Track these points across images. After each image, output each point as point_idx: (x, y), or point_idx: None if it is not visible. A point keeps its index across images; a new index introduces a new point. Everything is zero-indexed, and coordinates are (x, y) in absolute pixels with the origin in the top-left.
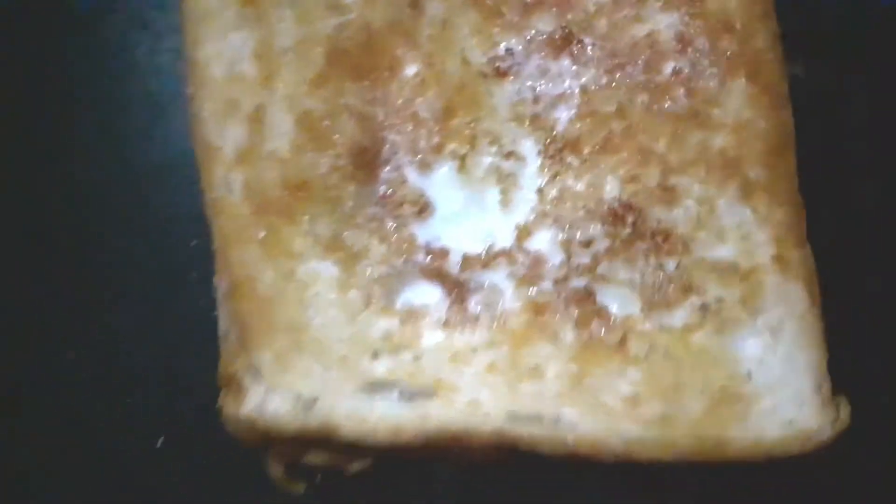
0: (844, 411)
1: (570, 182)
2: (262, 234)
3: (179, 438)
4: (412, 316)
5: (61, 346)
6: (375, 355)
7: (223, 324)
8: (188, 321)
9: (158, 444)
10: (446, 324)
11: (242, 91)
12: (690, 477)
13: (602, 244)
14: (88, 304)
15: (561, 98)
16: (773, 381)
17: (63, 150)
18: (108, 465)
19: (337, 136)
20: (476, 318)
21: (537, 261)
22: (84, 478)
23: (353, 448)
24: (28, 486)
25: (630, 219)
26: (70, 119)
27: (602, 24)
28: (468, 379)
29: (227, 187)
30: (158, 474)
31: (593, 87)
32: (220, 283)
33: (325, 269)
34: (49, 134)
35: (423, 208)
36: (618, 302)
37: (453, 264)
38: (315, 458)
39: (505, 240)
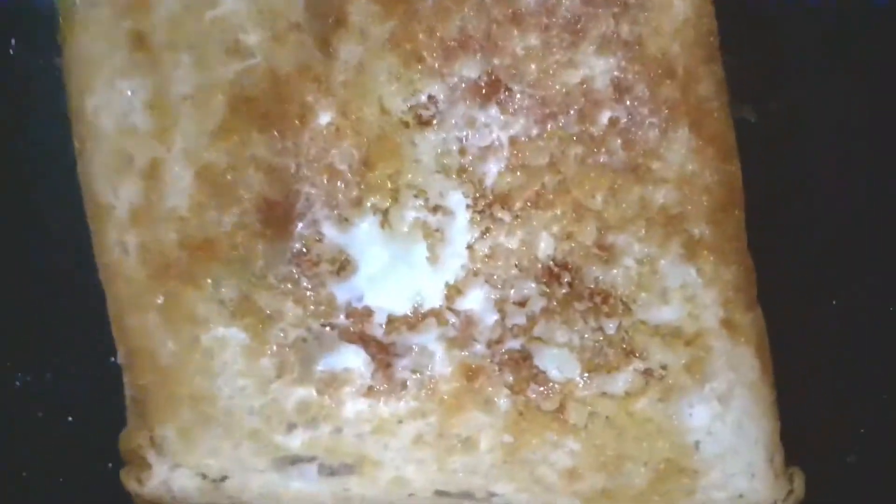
0: (798, 483)
1: (501, 238)
2: (160, 300)
3: None
4: (332, 383)
5: None
6: (290, 428)
7: (127, 393)
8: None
9: None
10: (370, 391)
11: (136, 144)
12: None
13: (538, 304)
14: None
15: (489, 149)
16: (722, 453)
17: None
18: None
19: (243, 190)
20: (403, 385)
21: (469, 321)
22: None
23: None
24: None
25: (566, 278)
26: None
27: (532, 69)
28: (393, 453)
29: (122, 249)
30: None
31: (523, 138)
32: (119, 353)
33: (232, 336)
34: None
35: (343, 266)
36: (556, 365)
37: (377, 326)
38: None
39: (434, 299)
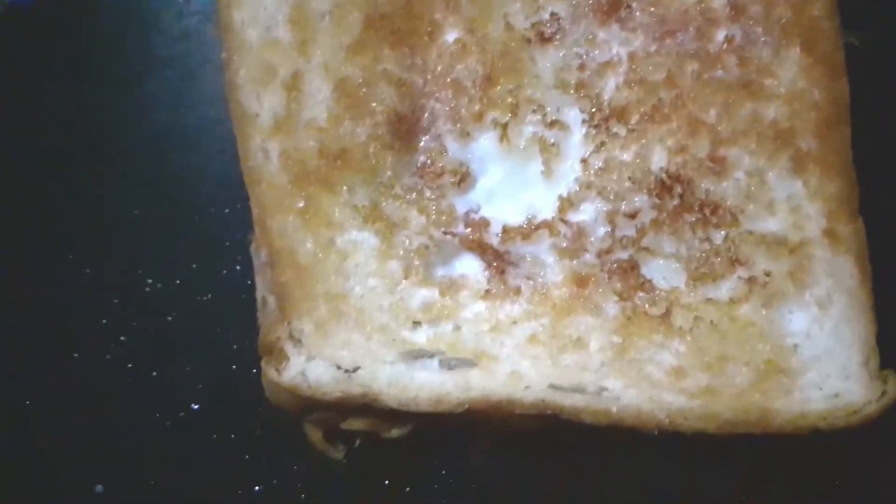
0: (892, 385)
1: (616, 152)
2: (300, 204)
3: (216, 403)
4: (452, 287)
5: (97, 315)
6: (416, 325)
7: (260, 292)
8: (224, 288)
9: (195, 408)
10: (487, 294)
11: (278, 57)
12: (734, 446)
13: (648, 216)
14: (121, 272)
15: (608, 65)
16: (819, 355)
17: (90, 116)
18: (146, 432)
19: (375, 104)
20: (517, 290)
21: (580, 232)
22: (124, 444)
23: (393, 415)
24: (71, 450)
25: (678, 190)
26: (96, 85)
27: None
28: (509, 350)
29: (265, 156)
30: (195, 440)
31: (642, 54)
32: (259, 252)
33: (364, 239)
34: (75, 100)
35: (464, 178)
36: (663, 274)
37: (494, 235)
38: (354, 424)
39: (547, 211)
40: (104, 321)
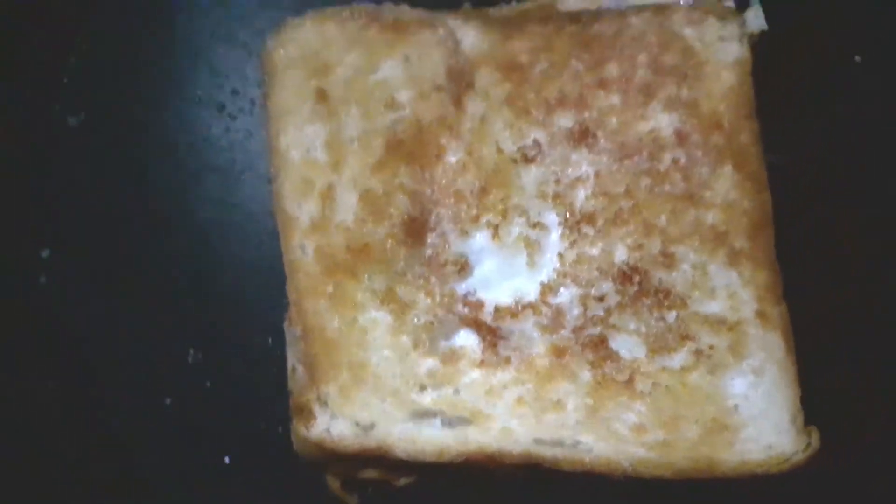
0: (815, 439)
1: (586, 248)
2: (330, 290)
3: (246, 458)
4: (453, 357)
5: (145, 380)
6: (422, 389)
7: (291, 362)
8: (257, 359)
9: (227, 461)
10: (481, 364)
11: (315, 173)
12: (687, 487)
13: (613, 299)
14: (169, 343)
15: (578, 180)
16: (755, 414)
17: (149, 212)
18: (185, 482)
19: (392, 209)
20: (507, 360)
21: (558, 312)
22: (168, 493)
23: (402, 465)
24: (120, 496)
25: (636, 279)
26: (152, 187)
27: (613, 121)
28: (500, 410)
29: (303, 251)
30: (229, 489)
31: (605, 172)
32: (294, 329)
33: (381, 318)
34: (132, 198)
35: (463, 268)
36: (627, 347)
37: (487, 314)
38: (368, 473)
39: (531, 295)
40: (150, 385)
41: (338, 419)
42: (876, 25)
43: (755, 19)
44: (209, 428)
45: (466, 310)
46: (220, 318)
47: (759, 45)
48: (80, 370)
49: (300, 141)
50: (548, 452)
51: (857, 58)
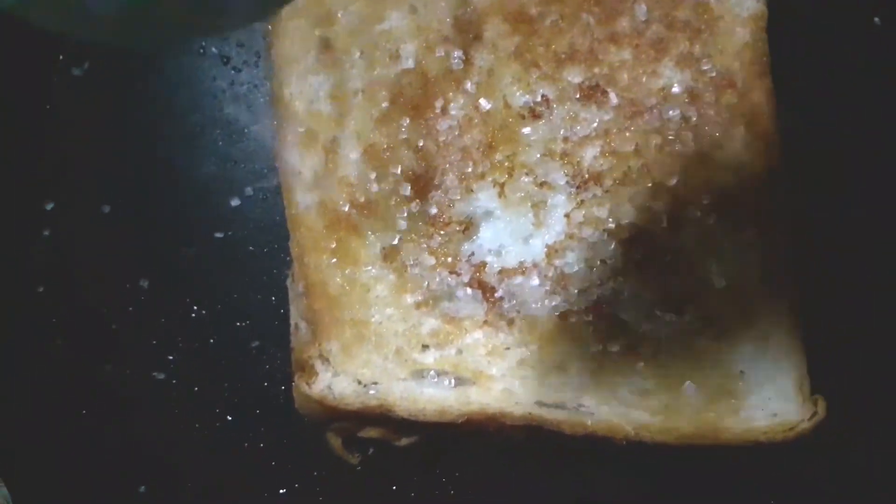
0: (821, 407)
1: (593, 209)
2: (333, 245)
3: (248, 415)
4: (456, 317)
5: (148, 336)
6: (425, 348)
7: (294, 318)
8: (260, 315)
9: (230, 419)
10: (484, 324)
11: (320, 125)
12: (690, 453)
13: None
14: (172, 299)
15: (587, 139)
16: (761, 381)
17: (148, 165)
18: (186, 439)
19: (396, 165)
20: (510, 322)
21: (563, 274)
22: (167, 449)
23: (404, 425)
24: (120, 454)
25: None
26: (153, 139)
27: (624, 77)
28: (503, 371)
29: (306, 205)
30: (229, 447)
31: (615, 131)
32: (296, 285)
33: (384, 276)
34: (135, 151)
35: (468, 227)
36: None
37: (492, 275)
38: (369, 433)
39: (537, 256)
40: (154, 341)
41: (339, 376)
42: None
43: None
44: (212, 385)
45: (471, 270)
46: (224, 274)
47: (775, 2)
48: (83, 324)
49: (304, 91)
50: (549, 415)
51: (877, 19)
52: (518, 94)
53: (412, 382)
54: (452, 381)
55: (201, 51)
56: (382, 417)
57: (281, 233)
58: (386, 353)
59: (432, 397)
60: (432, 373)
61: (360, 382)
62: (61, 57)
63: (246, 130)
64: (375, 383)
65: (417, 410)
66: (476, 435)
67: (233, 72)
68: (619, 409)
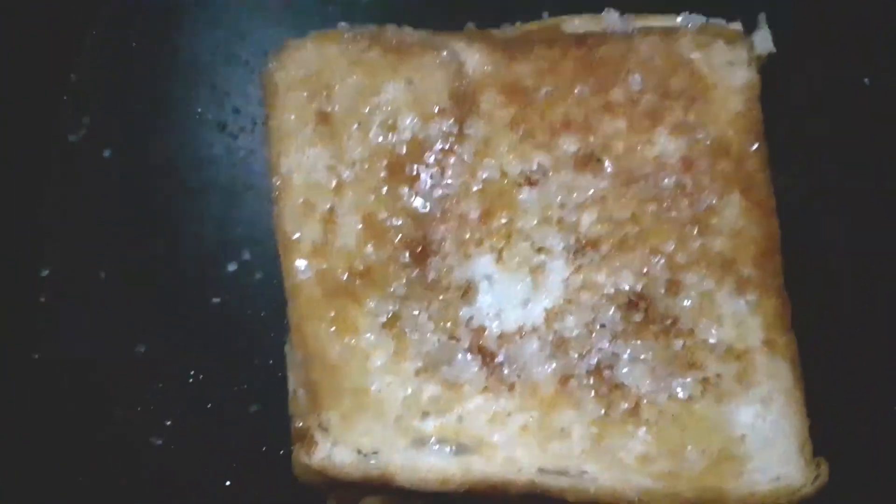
0: (824, 470)
1: (591, 274)
2: (331, 314)
3: (248, 480)
4: (456, 383)
5: (147, 402)
6: (425, 415)
7: (292, 385)
8: (258, 380)
9: (228, 484)
10: (485, 390)
11: (317, 195)
12: None
13: (619, 326)
14: (170, 364)
15: (583, 205)
16: (763, 444)
17: (144, 231)
18: (186, 502)
19: (394, 233)
20: (511, 387)
21: (563, 339)
22: None
23: (405, 494)
24: None
25: (643, 306)
26: (156, 202)
27: (619, 146)
28: (505, 438)
29: (304, 274)
30: None
31: (611, 197)
32: (295, 353)
33: (383, 343)
34: (131, 216)
35: (467, 292)
36: (632, 375)
37: (491, 340)
38: (370, 501)
39: (536, 320)
40: (151, 406)
41: (339, 446)
42: (884, 47)
43: (763, 42)
44: (210, 451)
45: (470, 335)
46: (222, 338)
47: (767, 69)
48: (79, 390)
49: (302, 164)
50: (553, 482)
51: (866, 80)
52: (514, 162)
53: (413, 451)
54: (454, 448)
55: (198, 117)
56: (383, 486)
57: (278, 296)
58: (386, 421)
59: (433, 466)
60: (433, 440)
61: (360, 452)
62: (57, 123)
63: (243, 195)
64: (376, 452)
65: (419, 480)
66: (480, 502)
67: (229, 138)
68: (622, 475)
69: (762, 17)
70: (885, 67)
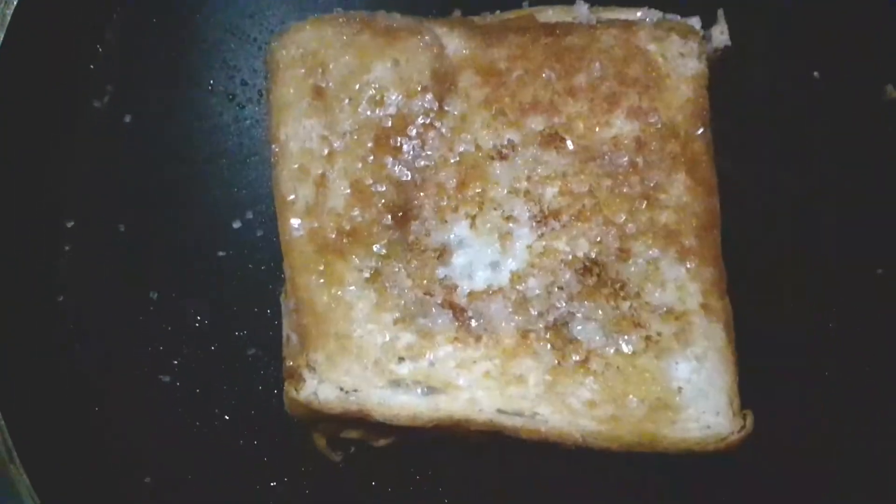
0: (749, 421)
1: (552, 241)
2: (321, 268)
3: (244, 416)
4: (429, 333)
5: (156, 342)
6: (401, 360)
7: (286, 331)
8: (257, 326)
9: (227, 419)
10: (454, 340)
11: (311, 162)
12: (631, 460)
13: (575, 289)
14: (179, 311)
15: (547, 179)
16: (696, 396)
17: (160, 190)
18: (187, 436)
19: (379, 198)
20: (478, 338)
21: (526, 298)
22: (170, 445)
23: (380, 427)
24: (128, 448)
25: (596, 271)
26: (167, 165)
27: (580, 126)
28: (469, 382)
29: (298, 231)
30: (226, 444)
31: (571, 173)
32: (288, 301)
33: (366, 295)
34: (149, 177)
35: (442, 254)
36: (585, 332)
37: (462, 297)
38: (350, 433)
39: (502, 281)
40: (161, 347)
41: (324, 383)
42: (834, 43)
43: (720, 36)
44: (212, 388)
45: (444, 292)
46: (226, 288)
47: (723, 61)
48: (97, 331)
49: (298, 133)
50: (508, 421)
51: (816, 73)
52: (487, 137)
53: (388, 390)
54: (424, 389)
55: (209, 88)
56: (361, 420)
57: (276, 252)
58: (366, 363)
59: (405, 404)
60: (406, 382)
61: (342, 389)
62: (84, 90)
63: (248, 160)
64: (356, 390)
65: (392, 415)
66: (445, 437)
67: (237, 108)
68: (570, 418)
69: (720, 12)
70: (834, 62)
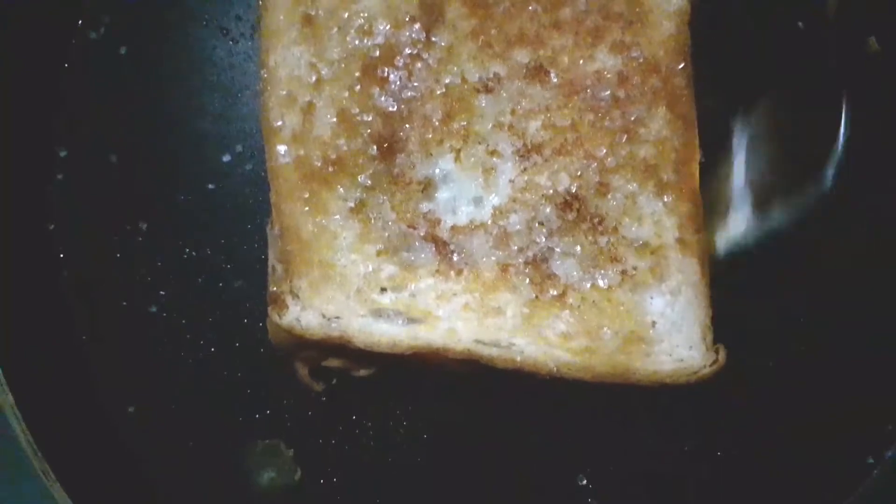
0: (721, 356)
1: (534, 176)
2: (306, 195)
3: (228, 347)
4: (411, 265)
5: (145, 274)
6: (383, 290)
7: (271, 261)
8: (243, 258)
9: (212, 350)
10: (436, 273)
11: (299, 89)
12: (604, 391)
13: (554, 224)
14: (167, 243)
15: (531, 112)
16: (670, 330)
17: (151, 122)
18: (174, 366)
19: (365, 128)
20: (459, 271)
21: (506, 233)
22: (157, 374)
23: (361, 356)
24: (115, 377)
25: (576, 206)
26: (158, 98)
27: (564, 60)
28: (449, 313)
29: (284, 158)
30: (211, 375)
31: (555, 107)
32: (274, 229)
33: (350, 225)
34: (141, 109)
35: (426, 187)
36: (563, 267)
37: (445, 231)
38: (332, 362)
39: (484, 216)
40: (149, 278)
41: (307, 310)
42: None
43: None
44: (198, 320)
45: (427, 225)
46: (214, 220)
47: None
48: (86, 260)
49: (287, 59)
50: (485, 351)
51: (800, 24)
52: (473, 70)
53: (369, 319)
54: (405, 319)
55: (204, 23)
56: (343, 348)
57: (265, 186)
58: (348, 292)
59: (386, 332)
60: (388, 311)
61: (324, 316)
62: (80, 21)
63: (239, 95)
64: (338, 318)
65: (372, 343)
66: (425, 366)
67: (231, 43)
68: (545, 349)
69: None
70: (817, 14)
